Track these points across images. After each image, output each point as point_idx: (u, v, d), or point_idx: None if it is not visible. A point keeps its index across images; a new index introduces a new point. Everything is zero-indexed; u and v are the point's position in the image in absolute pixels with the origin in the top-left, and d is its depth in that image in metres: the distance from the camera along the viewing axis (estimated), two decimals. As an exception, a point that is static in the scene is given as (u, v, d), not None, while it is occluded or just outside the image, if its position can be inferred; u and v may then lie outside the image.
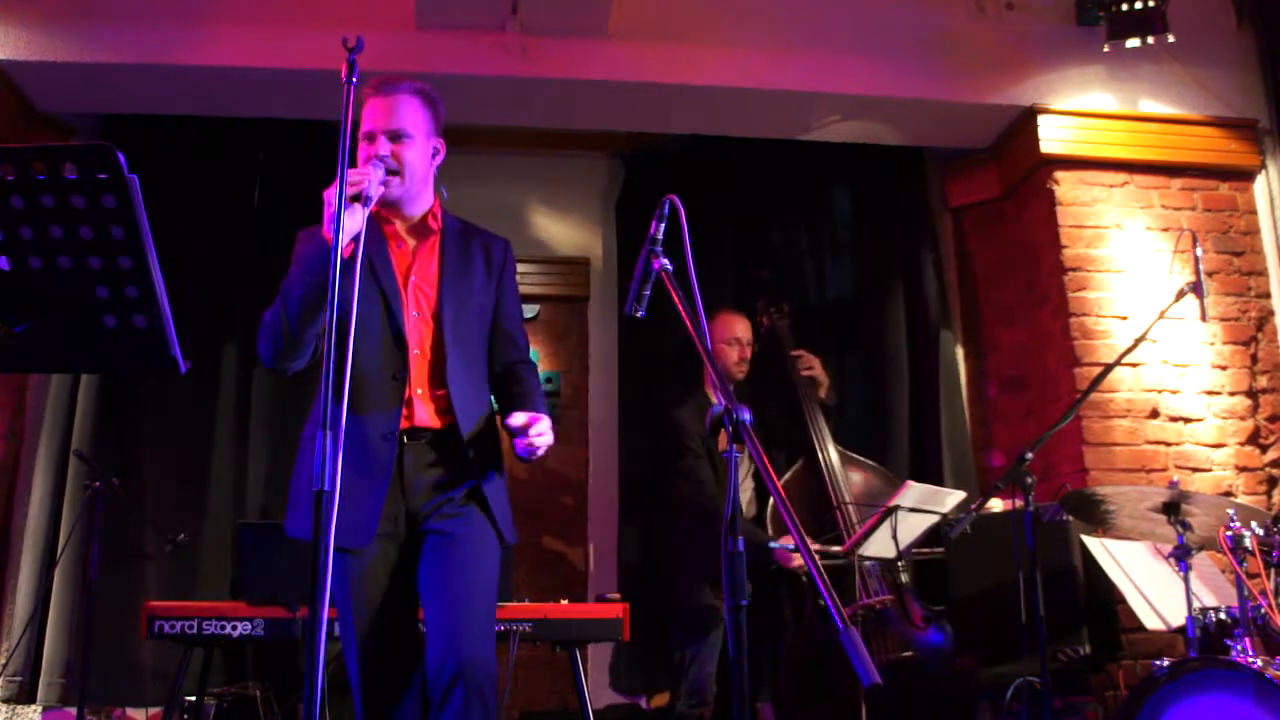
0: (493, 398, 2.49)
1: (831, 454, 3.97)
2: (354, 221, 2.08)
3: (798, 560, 3.66)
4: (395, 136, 2.33)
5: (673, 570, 3.93)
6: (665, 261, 2.09)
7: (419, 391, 2.31)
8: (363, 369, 2.25)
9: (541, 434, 2.25)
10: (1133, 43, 4.31)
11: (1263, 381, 4.41)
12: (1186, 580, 2.91)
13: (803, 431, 4.03)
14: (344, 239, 2.05)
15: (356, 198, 2.09)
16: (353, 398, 2.18)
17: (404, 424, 2.28)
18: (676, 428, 3.90)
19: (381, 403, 2.27)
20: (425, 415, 2.31)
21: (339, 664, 3.53)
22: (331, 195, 2.07)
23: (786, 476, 3.96)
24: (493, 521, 2.31)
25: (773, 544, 3.64)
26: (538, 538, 4.76)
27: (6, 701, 4.04)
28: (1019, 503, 3.11)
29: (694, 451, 3.84)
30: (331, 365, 1.81)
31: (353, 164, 2.23)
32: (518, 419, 2.24)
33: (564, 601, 3.47)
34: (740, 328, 4.04)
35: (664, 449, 3.97)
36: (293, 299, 2.21)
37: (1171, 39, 4.28)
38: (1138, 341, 3.36)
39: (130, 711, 4.17)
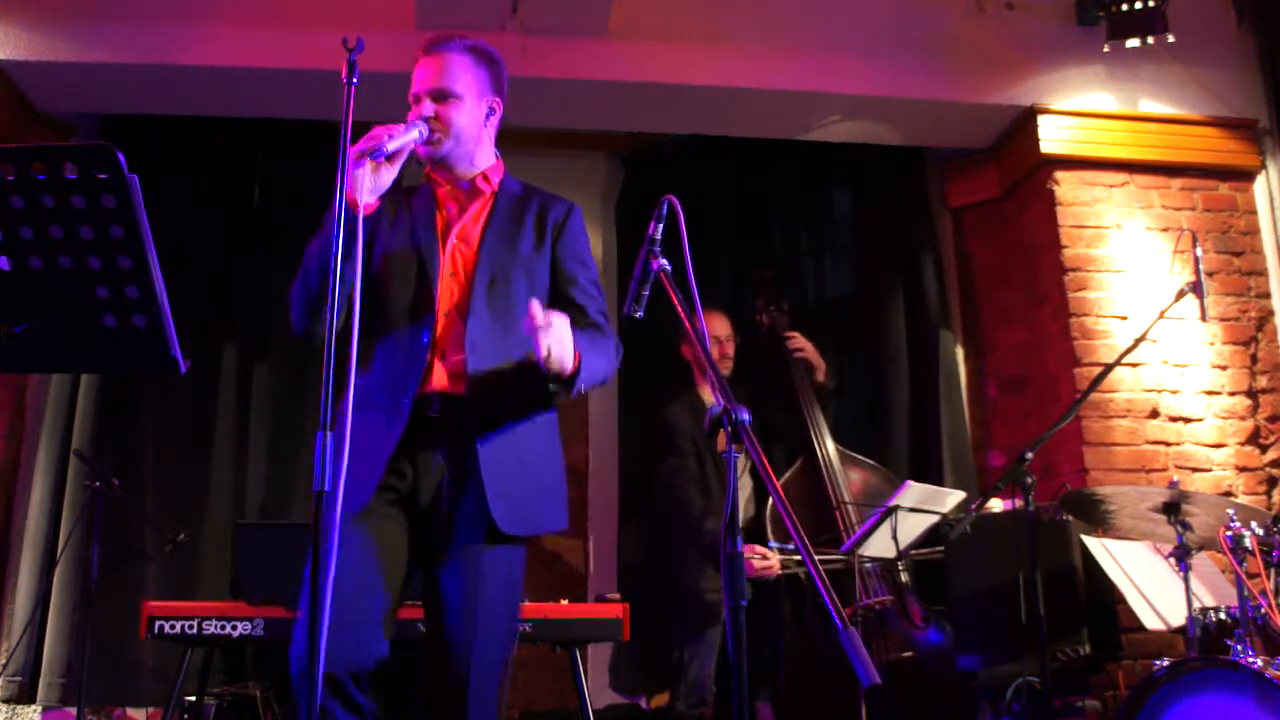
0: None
1: (830, 451, 3.95)
2: (377, 179, 2.04)
3: (763, 566, 3.63)
4: (440, 96, 2.22)
5: (670, 567, 3.94)
6: (664, 262, 2.08)
7: (442, 354, 2.17)
8: (393, 330, 2.18)
9: (551, 334, 1.97)
10: (1133, 43, 4.31)
11: (1263, 381, 4.41)
12: (1186, 580, 2.91)
13: (801, 428, 4.02)
14: (367, 196, 2.01)
15: (375, 154, 2.01)
16: (381, 359, 2.17)
17: (423, 389, 2.14)
18: (666, 426, 3.90)
19: (406, 365, 2.14)
20: (444, 380, 2.15)
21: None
22: (354, 150, 2.00)
23: (785, 477, 3.95)
24: (489, 515, 2.10)
25: (773, 545, 3.65)
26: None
27: (6, 701, 4.04)
28: (1019, 503, 3.11)
29: (681, 450, 3.84)
30: (332, 343, 1.74)
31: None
32: (540, 310, 1.99)
33: (564, 601, 3.47)
34: (719, 326, 4.03)
35: (655, 448, 3.97)
36: (313, 260, 2.13)
37: (1171, 39, 4.28)
38: (1138, 341, 3.36)
39: (130, 711, 4.17)
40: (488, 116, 2.31)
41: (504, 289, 2.22)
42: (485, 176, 2.32)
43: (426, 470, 2.15)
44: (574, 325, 2.17)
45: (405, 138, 2.09)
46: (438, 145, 2.22)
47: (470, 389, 2.14)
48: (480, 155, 2.32)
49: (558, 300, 2.29)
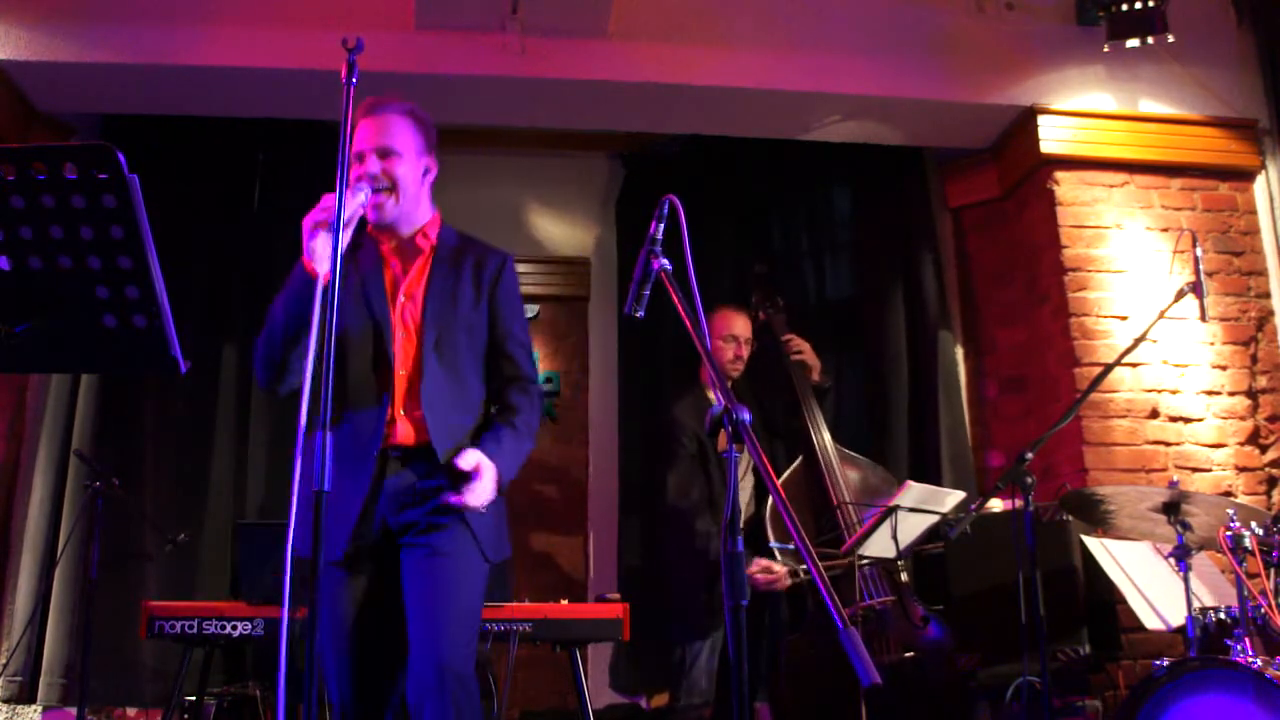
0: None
1: (829, 448, 3.95)
2: (329, 247, 2.09)
3: (767, 580, 3.63)
4: (384, 154, 2.36)
5: (666, 568, 3.93)
6: (665, 261, 2.08)
7: (401, 411, 2.33)
8: (352, 388, 2.32)
9: (474, 492, 2.23)
10: (1133, 43, 4.31)
11: (1263, 381, 4.41)
12: (1186, 580, 2.91)
13: (800, 426, 4.02)
14: (323, 266, 2.04)
15: (328, 225, 2.10)
16: (341, 415, 2.31)
17: (385, 442, 2.31)
18: (672, 424, 3.88)
19: (366, 421, 2.30)
20: (406, 434, 2.32)
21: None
22: (308, 221, 2.13)
23: (785, 476, 3.95)
24: (475, 539, 2.29)
25: (773, 544, 3.64)
26: (537, 538, 4.76)
27: (6, 701, 4.04)
28: (1019, 503, 3.11)
29: (686, 450, 3.82)
30: (332, 346, 1.83)
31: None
32: (463, 459, 2.24)
33: (564, 601, 3.47)
34: (739, 325, 3.99)
35: (658, 445, 3.96)
36: (276, 326, 2.27)
37: (1171, 39, 4.28)
38: (1138, 341, 3.36)
39: (130, 711, 4.17)
40: (424, 174, 2.46)
41: (450, 346, 2.38)
42: (424, 233, 2.47)
43: (395, 504, 2.30)
44: (506, 395, 2.44)
45: (355, 203, 2.20)
46: (383, 209, 2.35)
47: (435, 442, 2.30)
48: (419, 212, 2.46)
49: (494, 352, 2.47)
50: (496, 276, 2.48)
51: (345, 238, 2.14)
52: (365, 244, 2.44)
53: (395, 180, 2.35)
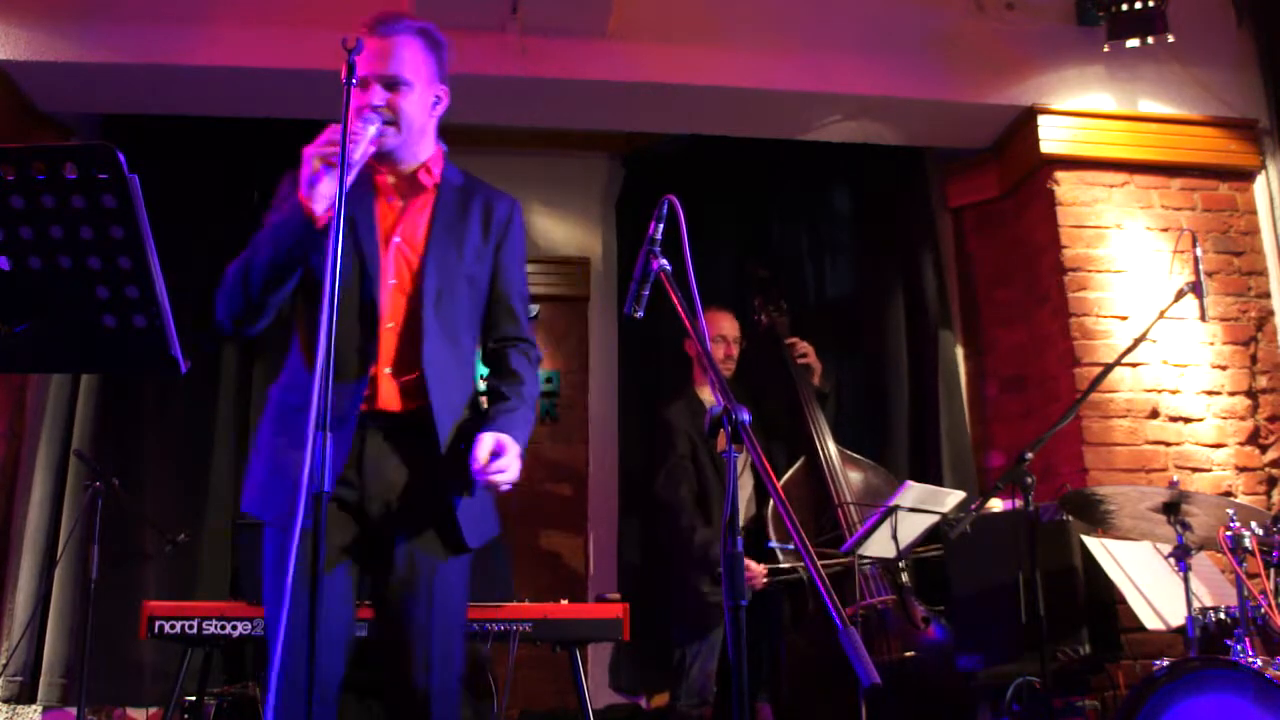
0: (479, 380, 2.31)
1: (831, 450, 3.96)
2: (333, 186, 1.92)
3: (751, 575, 3.63)
4: (391, 84, 2.11)
5: (665, 569, 3.94)
6: (664, 262, 2.08)
7: (386, 370, 2.08)
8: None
9: (503, 470, 2.01)
10: (1133, 43, 4.31)
11: (1263, 381, 4.41)
12: (1186, 580, 2.91)
13: (802, 428, 4.03)
14: (320, 205, 1.95)
15: (334, 161, 1.92)
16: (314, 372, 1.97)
17: (364, 406, 2.05)
18: (664, 426, 3.91)
19: (343, 380, 2.01)
20: (391, 397, 2.08)
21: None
22: (311, 152, 1.96)
23: (786, 477, 3.96)
24: (456, 528, 2.08)
25: (773, 544, 3.64)
26: (537, 537, 4.76)
27: (6, 701, 4.04)
28: (1019, 503, 3.11)
29: (678, 452, 3.84)
30: (331, 345, 1.71)
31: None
32: (482, 447, 2.00)
33: (564, 601, 3.47)
34: (726, 325, 4.02)
35: (654, 448, 3.98)
36: (259, 262, 2.04)
37: (1171, 39, 4.28)
38: (1138, 341, 3.36)
39: (130, 711, 4.17)
40: (434, 105, 2.22)
41: (451, 300, 2.15)
42: (427, 169, 2.22)
43: (378, 483, 2.07)
44: (508, 359, 2.23)
45: (365, 141, 2.00)
46: (383, 138, 2.10)
47: (435, 406, 2.08)
48: (424, 145, 2.23)
49: (494, 305, 2.26)
50: (506, 223, 2.26)
51: (350, 178, 1.93)
52: (359, 176, 2.14)
53: (399, 113, 2.11)
